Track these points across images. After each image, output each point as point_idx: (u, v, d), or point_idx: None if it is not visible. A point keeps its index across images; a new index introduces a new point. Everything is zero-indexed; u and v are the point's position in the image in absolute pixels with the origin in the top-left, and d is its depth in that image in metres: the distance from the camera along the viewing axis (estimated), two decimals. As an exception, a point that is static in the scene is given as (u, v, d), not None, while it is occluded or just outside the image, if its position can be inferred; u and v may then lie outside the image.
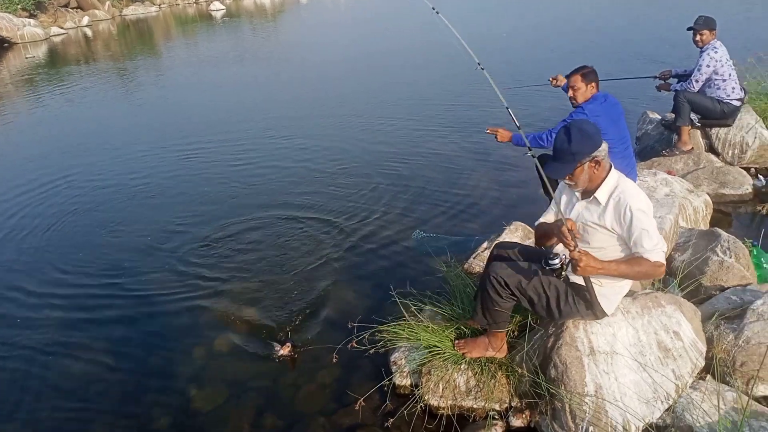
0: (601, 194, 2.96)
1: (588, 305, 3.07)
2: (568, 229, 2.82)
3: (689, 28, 6.21)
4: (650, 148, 7.00)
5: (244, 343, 4.34)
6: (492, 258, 3.46)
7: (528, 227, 4.93)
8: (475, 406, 3.42)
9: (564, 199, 3.22)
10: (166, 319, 4.81)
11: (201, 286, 5.17)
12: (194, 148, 9.18)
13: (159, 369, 4.24)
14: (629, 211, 2.85)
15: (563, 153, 2.91)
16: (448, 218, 6.10)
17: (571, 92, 4.58)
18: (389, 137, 8.95)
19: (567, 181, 3.01)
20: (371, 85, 13.02)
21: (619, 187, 2.93)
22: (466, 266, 4.75)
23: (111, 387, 4.10)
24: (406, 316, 3.73)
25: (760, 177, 6.08)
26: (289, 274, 5.22)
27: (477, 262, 4.76)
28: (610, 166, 3.00)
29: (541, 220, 3.33)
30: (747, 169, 6.16)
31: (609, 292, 3.09)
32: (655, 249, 2.82)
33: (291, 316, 4.56)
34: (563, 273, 3.08)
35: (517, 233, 4.91)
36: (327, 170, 7.75)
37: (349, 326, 3.64)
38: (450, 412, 3.43)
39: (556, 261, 2.95)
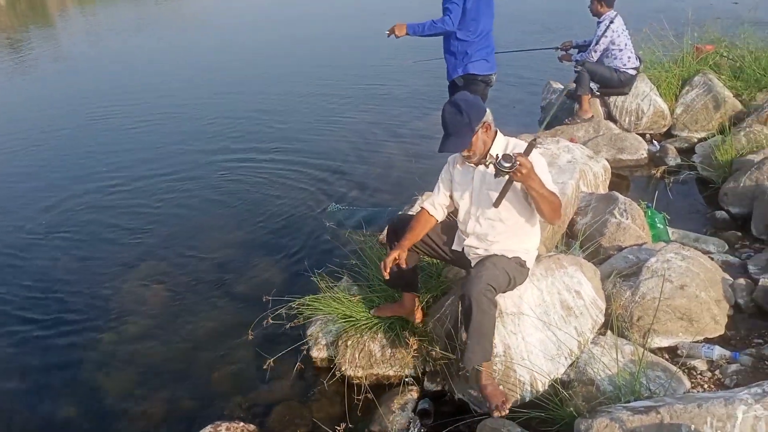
0: (496, 150, 2.95)
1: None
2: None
3: (587, -4, 6.46)
4: (553, 117, 7.26)
5: (156, 325, 4.23)
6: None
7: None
8: (390, 373, 3.50)
9: (457, 178, 3.15)
10: (70, 304, 4.62)
11: (107, 269, 4.99)
12: (98, 118, 8.81)
13: (63, 358, 4.07)
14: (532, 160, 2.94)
15: (459, 126, 2.89)
16: (362, 191, 6.14)
17: None
18: (300, 112, 8.87)
19: (465, 154, 2.97)
20: (280, 59, 12.77)
21: (510, 142, 3.01)
22: (381, 237, 4.80)
23: (10, 379, 3.91)
24: (322, 288, 3.74)
25: (654, 142, 6.44)
26: (200, 254, 5.12)
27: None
28: (496, 129, 3.05)
29: (426, 205, 3.27)
30: (643, 135, 6.51)
31: (532, 248, 3.20)
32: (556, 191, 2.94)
33: (204, 295, 4.48)
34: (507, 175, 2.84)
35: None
36: (237, 147, 7.61)
37: (264, 300, 3.60)
38: (367, 381, 3.47)
39: (509, 164, 2.72)
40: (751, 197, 4.76)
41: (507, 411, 2.90)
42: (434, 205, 3.25)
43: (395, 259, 3.10)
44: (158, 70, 12.36)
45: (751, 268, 4.06)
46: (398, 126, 7.88)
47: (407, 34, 4.93)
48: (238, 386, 3.65)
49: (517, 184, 2.86)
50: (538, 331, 3.16)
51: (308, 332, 3.79)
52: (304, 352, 3.65)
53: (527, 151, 2.75)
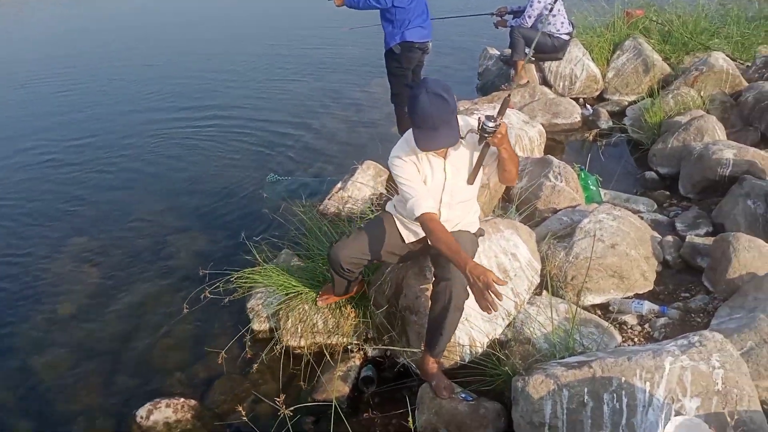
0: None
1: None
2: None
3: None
4: (490, 83, 7.34)
5: (90, 303, 4.11)
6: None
7: (379, 165, 5.02)
8: (333, 341, 3.50)
9: (428, 173, 2.85)
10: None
11: (37, 245, 4.82)
12: (25, 84, 8.44)
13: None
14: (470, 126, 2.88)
15: (447, 116, 2.58)
16: (301, 160, 6.09)
17: None
18: (239, 81, 8.70)
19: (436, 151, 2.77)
20: (219, 28, 12.41)
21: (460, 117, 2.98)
22: (321, 208, 4.77)
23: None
24: (260, 261, 3.69)
25: (588, 106, 6.58)
26: (135, 227, 5.01)
27: (332, 203, 4.79)
28: None
29: (425, 209, 2.75)
30: (576, 100, 6.64)
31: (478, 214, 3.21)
32: None
33: (139, 271, 4.38)
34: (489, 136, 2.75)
35: (369, 172, 4.98)
36: (174, 115, 7.46)
37: (201, 274, 3.54)
38: (309, 351, 3.47)
39: (493, 124, 2.66)
40: (679, 157, 4.93)
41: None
42: (431, 204, 2.81)
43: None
44: (94, 37, 11.82)
45: (679, 226, 4.22)
46: (337, 94, 7.81)
47: (344, 4, 4.93)
48: (177, 362, 3.59)
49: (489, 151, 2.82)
50: (476, 294, 3.20)
51: (248, 305, 3.75)
52: (245, 325, 3.61)
53: (502, 111, 2.65)
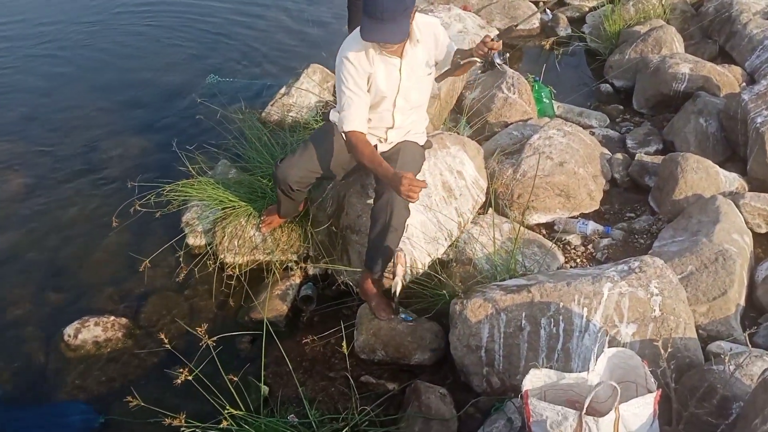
0: (414, 33, 2.65)
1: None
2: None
3: None
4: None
5: (13, 215, 3.88)
6: None
7: (326, 70, 4.74)
8: (272, 259, 3.38)
9: (379, 74, 2.65)
10: None
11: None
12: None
13: None
14: (439, 30, 2.80)
15: (396, 12, 2.40)
16: (244, 61, 5.73)
17: None
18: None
19: (388, 47, 2.57)
20: None
21: (415, 17, 2.74)
22: (262, 115, 4.52)
23: None
24: (193, 173, 3.48)
25: (547, 11, 6.29)
26: (61, 132, 4.68)
27: (274, 110, 4.54)
28: None
29: (355, 128, 2.63)
30: (536, 4, 6.33)
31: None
32: None
33: (66, 181, 4.13)
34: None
35: (315, 76, 4.72)
36: (107, 6, 6.85)
37: (129, 186, 3.32)
38: (247, 268, 3.36)
39: (501, 60, 2.89)
40: (635, 70, 4.79)
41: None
42: (363, 122, 2.68)
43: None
44: None
45: (629, 143, 4.15)
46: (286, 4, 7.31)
47: None
48: (108, 279, 3.42)
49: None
50: (419, 213, 3.09)
51: (183, 219, 3.57)
52: (180, 240, 3.45)
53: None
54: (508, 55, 2.92)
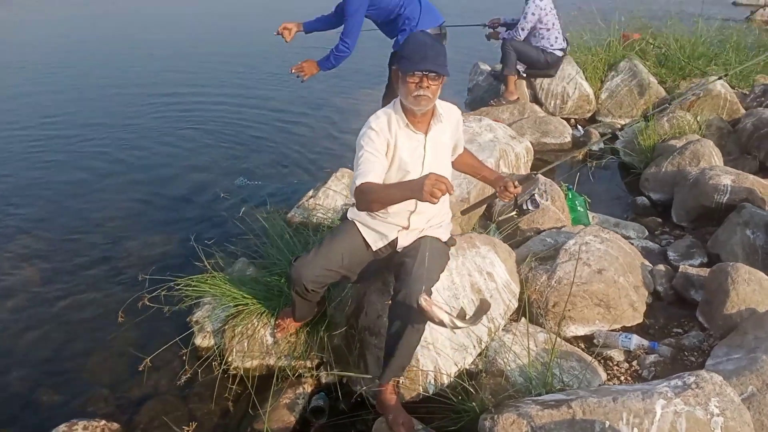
0: (438, 112, 2.63)
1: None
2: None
3: (515, -25, 6.24)
4: (480, 98, 7.03)
5: (21, 308, 3.72)
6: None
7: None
8: (283, 365, 3.11)
9: (402, 145, 2.57)
10: None
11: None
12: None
13: None
14: (460, 117, 2.78)
15: (438, 50, 2.45)
16: (275, 167, 5.77)
17: None
18: (220, 87, 8.40)
19: (426, 93, 2.45)
20: (201, 41, 12.13)
21: (442, 105, 2.69)
22: (288, 215, 4.40)
23: None
24: (209, 268, 3.30)
25: (579, 127, 6.30)
26: (85, 226, 4.70)
27: (300, 211, 4.42)
28: None
29: (370, 180, 2.43)
30: (567, 120, 6.34)
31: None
32: None
33: (81, 273, 4.03)
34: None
35: (343, 180, 4.63)
36: (146, 112, 7.24)
37: (140, 279, 3.15)
38: (257, 373, 3.11)
39: (533, 208, 3.15)
40: (672, 183, 4.62)
41: None
42: (378, 178, 2.49)
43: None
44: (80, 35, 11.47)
45: (671, 255, 3.89)
46: (319, 102, 7.53)
47: (319, 70, 4.40)
48: (106, 378, 3.18)
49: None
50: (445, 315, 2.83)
51: (193, 318, 3.36)
52: (187, 340, 3.22)
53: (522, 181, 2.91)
54: (536, 196, 3.05)
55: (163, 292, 3.19)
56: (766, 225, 3.66)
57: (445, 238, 2.85)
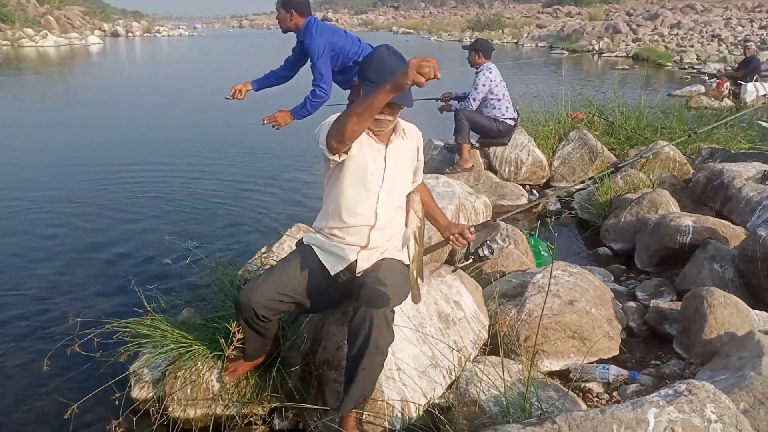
0: (400, 127, 2.52)
1: None
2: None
3: (464, 47, 6.43)
4: (435, 170, 7.02)
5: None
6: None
7: (309, 228, 4.47)
8: (232, 412, 2.77)
9: (367, 151, 2.45)
10: None
11: None
12: None
13: None
14: (421, 141, 2.68)
15: None
16: (227, 231, 5.50)
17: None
18: (166, 162, 8.26)
19: (386, 117, 2.35)
20: (160, 125, 12.14)
21: (401, 123, 2.58)
22: (241, 271, 4.14)
23: None
24: (150, 311, 3.00)
25: (535, 192, 6.31)
26: (28, 281, 4.37)
27: (253, 267, 4.17)
28: None
29: None
30: (523, 186, 6.35)
31: None
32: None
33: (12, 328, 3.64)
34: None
35: (299, 234, 4.43)
36: (102, 179, 7.09)
37: (71, 322, 2.82)
38: (201, 423, 2.75)
39: (488, 253, 2.98)
40: (633, 231, 4.58)
41: None
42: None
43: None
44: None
45: (640, 295, 3.77)
46: (269, 173, 7.50)
47: (293, 119, 4.48)
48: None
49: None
50: (412, 345, 2.60)
51: (130, 367, 3.00)
52: (123, 389, 2.85)
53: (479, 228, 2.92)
54: (491, 243, 3.04)
55: (96, 339, 2.85)
56: (733, 258, 3.60)
57: (407, 261, 2.66)
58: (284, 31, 4.43)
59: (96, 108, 13.58)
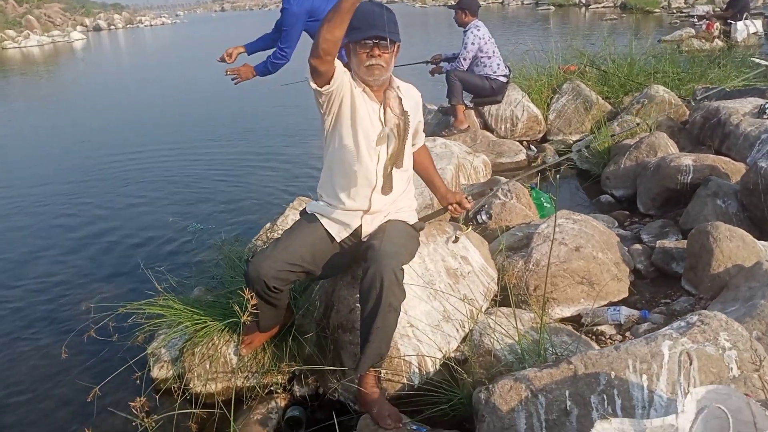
0: (394, 84, 2.49)
1: None
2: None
3: (450, 6, 6.36)
4: (430, 133, 6.99)
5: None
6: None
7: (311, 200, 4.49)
8: (251, 383, 2.81)
9: (360, 106, 2.42)
10: None
11: None
12: None
13: None
14: (420, 99, 2.66)
15: (390, 21, 2.29)
16: (230, 213, 5.53)
17: None
18: (173, 143, 8.30)
19: (379, 62, 2.34)
20: (153, 112, 12.10)
21: (397, 82, 2.56)
22: (246, 249, 4.16)
23: None
24: (162, 291, 3.02)
25: (533, 147, 6.30)
26: (40, 272, 4.43)
27: (259, 244, 4.19)
28: None
29: None
30: (520, 142, 6.34)
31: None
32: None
33: (29, 316, 3.69)
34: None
35: (301, 207, 4.43)
36: (103, 166, 7.28)
37: (84, 308, 2.85)
38: (222, 397, 2.78)
39: (486, 218, 3.08)
40: (633, 176, 4.58)
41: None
42: None
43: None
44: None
45: (645, 237, 3.78)
46: (269, 154, 7.44)
47: (256, 75, 4.49)
48: (53, 422, 2.81)
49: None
50: (423, 302, 2.62)
51: (148, 347, 3.03)
52: (143, 373, 2.89)
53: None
54: (492, 210, 3.11)
55: (111, 323, 2.88)
56: (735, 193, 3.61)
57: (411, 221, 2.68)
58: None
59: (88, 101, 13.58)
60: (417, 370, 2.50)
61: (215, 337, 2.87)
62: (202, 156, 7.56)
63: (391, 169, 2.30)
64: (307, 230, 2.56)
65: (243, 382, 2.82)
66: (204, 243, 4.56)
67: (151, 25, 54.52)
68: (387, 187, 2.36)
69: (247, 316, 1.92)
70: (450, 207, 2.84)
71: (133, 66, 22.35)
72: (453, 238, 2.87)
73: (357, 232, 2.56)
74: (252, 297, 2.01)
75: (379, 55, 2.35)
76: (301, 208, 4.28)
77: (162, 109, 11.69)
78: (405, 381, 2.49)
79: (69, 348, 2.83)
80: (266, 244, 3.92)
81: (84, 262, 4.54)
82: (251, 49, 4.62)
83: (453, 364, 2.47)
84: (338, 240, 2.56)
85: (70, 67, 24.18)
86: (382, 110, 2.42)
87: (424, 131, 2.83)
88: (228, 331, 2.88)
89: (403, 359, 2.49)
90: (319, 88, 2.31)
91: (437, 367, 2.53)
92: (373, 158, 2.45)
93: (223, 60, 4.47)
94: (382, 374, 2.45)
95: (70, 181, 6.83)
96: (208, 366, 2.82)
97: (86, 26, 45.35)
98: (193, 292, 3.40)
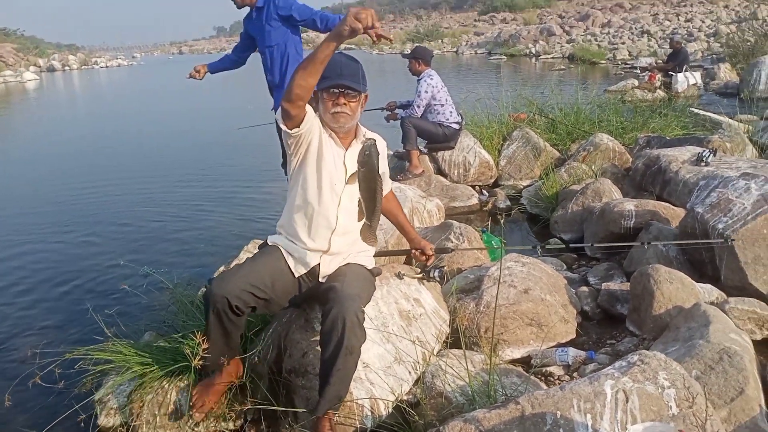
0: (361, 133, 2.63)
1: None
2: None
3: (404, 55, 6.56)
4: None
5: None
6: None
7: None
8: (202, 430, 2.77)
9: (326, 149, 2.53)
10: None
11: None
12: None
13: None
14: (384, 149, 2.72)
15: (355, 72, 2.47)
16: (182, 256, 5.44)
17: None
18: (130, 191, 8.16)
19: (344, 110, 2.46)
20: (105, 152, 11.93)
21: (362, 130, 2.65)
22: (198, 294, 4.12)
23: None
24: (111, 336, 2.97)
25: (484, 192, 6.45)
26: None
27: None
28: None
29: None
30: (472, 186, 6.50)
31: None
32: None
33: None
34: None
35: (256, 251, 4.43)
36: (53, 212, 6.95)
37: (29, 354, 2.78)
38: (171, 445, 2.73)
39: (438, 273, 3.10)
40: (580, 221, 4.75)
41: None
42: None
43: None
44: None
45: (592, 280, 3.91)
46: (224, 197, 7.41)
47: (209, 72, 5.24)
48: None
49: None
50: (376, 344, 2.65)
51: (96, 395, 2.96)
52: (90, 421, 2.81)
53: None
54: (445, 269, 3.22)
55: (57, 370, 2.82)
56: (675, 236, 3.77)
57: (369, 266, 2.74)
58: (239, 7, 4.94)
59: (39, 141, 13.34)
60: (370, 413, 2.51)
61: (165, 383, 2.83)
62: (155, 197, 7.48)
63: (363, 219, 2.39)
64: (270, 259, 2.60)
65: (193, 428, 2.77)
66: (156, 286, 4.49)
67: (107, 67, 54.06)
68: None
69: (198, 360, 1.92)
70: (414, 251, 3.02)
71: (86, 106, 22.07)
72: (400, 273, 2.94)
73: (315, 271, 2.60)
74: (203, 339, 2.01)
75: (345, 104, 2.47)
76: (254, 249, 4.34)
77: (116, 149, 11.56)
78: (358, 424, 2.49)
79: (12, 395, 2.72)
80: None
81: (30, 305, 4.41)
82: (213, 69, 5.21)
83: (405, 407, 2.50)
84: (296, 275, 2.59)
85: (21, 106, 23.74)
86: (345, 156, 2.52)
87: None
88: (178, 376, 2.84)
89: (356, 402, 2.50)
90: (288, 131, 2.39)
91: (390, 410, 2.54)
92: (335, 201, 2.51)
93: (192, 77, 5.02)
94: (335, 420, 2.45)
95: (17, 223, 6.68)
96: (157, 412, 2.77)
97: (40, 67, 44.67)
98: (144, 337, 3.36)
